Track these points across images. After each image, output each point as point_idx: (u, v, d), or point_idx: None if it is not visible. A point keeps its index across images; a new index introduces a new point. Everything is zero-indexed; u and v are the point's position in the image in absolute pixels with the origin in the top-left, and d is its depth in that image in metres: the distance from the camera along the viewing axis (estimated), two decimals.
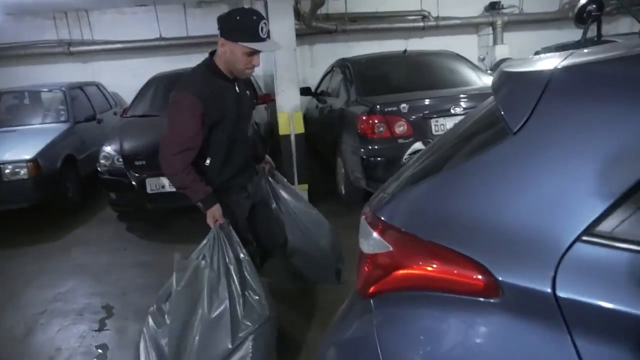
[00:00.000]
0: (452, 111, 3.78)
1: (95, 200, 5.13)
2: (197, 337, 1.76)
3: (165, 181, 4.06)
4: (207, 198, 1.94)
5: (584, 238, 0.77)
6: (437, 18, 7.85)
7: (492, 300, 0.85)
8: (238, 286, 1.81)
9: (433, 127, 3.80)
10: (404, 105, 3.77)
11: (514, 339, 0.82)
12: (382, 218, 1.09)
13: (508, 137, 0.91)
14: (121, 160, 4.21)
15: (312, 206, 2.61)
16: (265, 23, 1.85)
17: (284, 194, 2.45)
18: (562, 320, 0.77)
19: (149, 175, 4.04)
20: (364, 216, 1.18)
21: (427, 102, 3.90)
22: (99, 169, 4.35)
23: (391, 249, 1.00)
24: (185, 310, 1.81)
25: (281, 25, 4.26)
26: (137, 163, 4.12)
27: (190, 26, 7.66)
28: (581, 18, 4.79)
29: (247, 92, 2.17)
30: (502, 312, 0.84)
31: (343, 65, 5.12)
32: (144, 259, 3.66)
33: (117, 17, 7.65)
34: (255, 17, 1.84)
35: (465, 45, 7.82)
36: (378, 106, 3.83)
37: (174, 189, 4.10)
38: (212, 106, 1.90)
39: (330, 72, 5.75)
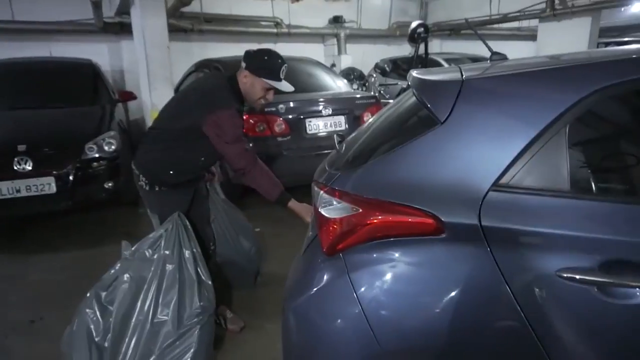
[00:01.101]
0: (323, 112, 4.26)
1: None
2: (142, 324, 1.77)
3: (21, 184, 3.62)
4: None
5: (494, 188, 1.20)
6: (289, 26, 8.42)
7: (439, 237, 1.23)
8: (193, 274, 1.89)
9: (307, 126, 4.23)
10: (281, 106, 4.11)
11: (456, 260, 1.22)
12: (337, 188, 1.40)
13: (437, 125, 1.31)
14: None
15: (242, 214, 2.79)
16: (285, 67, 2.16)
17: (217, 201, 2.62)
18: (485, 240, 1.18)
19: None
20: (321, 190, 1.46)
21: (301, 103, 4.31)
22: None
23: (360, 210, 1.32)
24: (130, 297, 1.80)
25: (154, 21, 4.17)
26: None
27: (17, 9, 6.66)
28: (412, 38, 5.82)
29: None
30: (447, 243, 1.22)
31: (209, 65, 5.19)
32: (5, 273, 3.23)
33: None
34: (280, 61, 2.19)
35: (313, 53, 8.52)
36: None
37: (30, 194, 3.71)
38: None
39: (193, 71, 5.74)
